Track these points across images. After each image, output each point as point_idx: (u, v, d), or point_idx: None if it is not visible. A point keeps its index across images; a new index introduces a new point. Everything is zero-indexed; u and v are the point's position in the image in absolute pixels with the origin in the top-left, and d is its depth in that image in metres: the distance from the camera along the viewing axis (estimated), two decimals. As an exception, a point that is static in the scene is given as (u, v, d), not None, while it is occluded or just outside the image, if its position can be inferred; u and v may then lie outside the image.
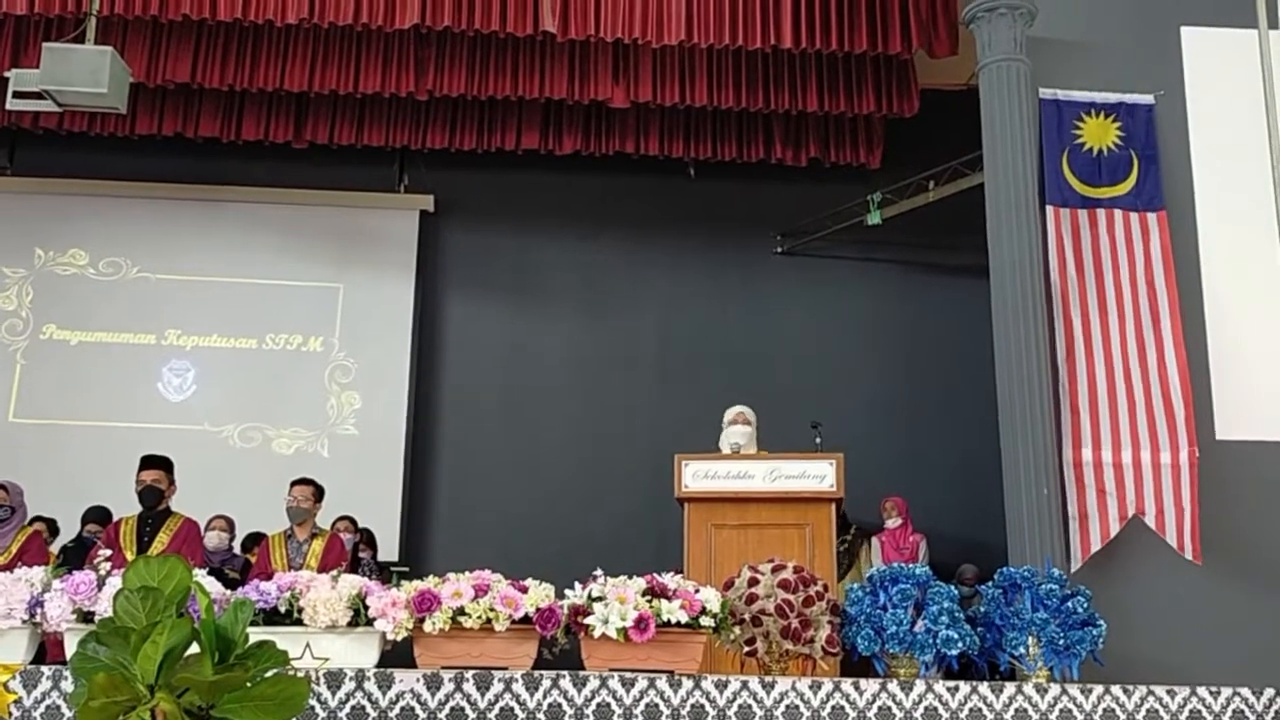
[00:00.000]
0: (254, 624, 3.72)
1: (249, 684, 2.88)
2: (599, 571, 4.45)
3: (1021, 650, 4.71)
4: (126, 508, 6.52)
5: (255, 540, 7.81)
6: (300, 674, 3.50)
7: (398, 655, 4.41)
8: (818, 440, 6.47)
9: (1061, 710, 4.32)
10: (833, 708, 4.23)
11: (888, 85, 9.14)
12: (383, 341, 10.24)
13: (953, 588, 4.78)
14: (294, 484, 6.82)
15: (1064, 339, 6.47)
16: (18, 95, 6.80)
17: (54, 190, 10.27)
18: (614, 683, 4.16)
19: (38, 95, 6.72)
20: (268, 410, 10.06)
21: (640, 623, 4.23)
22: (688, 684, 4.19)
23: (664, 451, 6.38)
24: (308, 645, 4.28)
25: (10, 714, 3.97)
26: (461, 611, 4.26)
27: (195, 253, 10.26)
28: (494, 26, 7.98)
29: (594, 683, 4.16)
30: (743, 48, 8.17)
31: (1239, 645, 6.02)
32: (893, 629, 4.56)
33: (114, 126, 9.54)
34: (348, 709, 4.06)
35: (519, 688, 4.13)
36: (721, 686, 4.21)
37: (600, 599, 4.31)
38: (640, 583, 4.38)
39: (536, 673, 4.19)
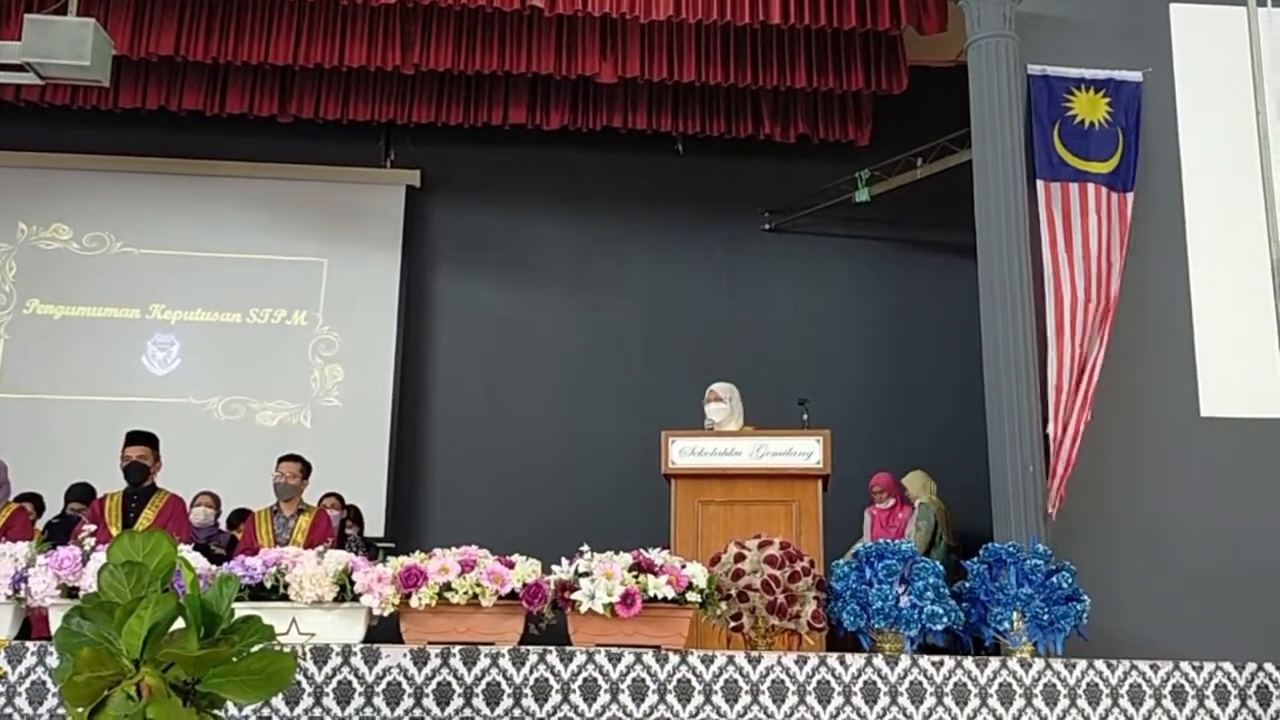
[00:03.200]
0: (240, 599, 3.72)
1: (234, 659, 2.87)
2: (586, 547, 4.46)
3: (1006, 625, 4.75)
4: (111, 481, 6.49)
5: (241, 516, 7.80)
6: (286, 649, 3.49)
7: (384, 631, 4.42)
8: (805, 417, 6.47)
9: (1045, 684, 4.35)
10: (818, 682, 4.25)
11: (876, 62, 9.11)
12: (367, 316, 10.21)
13: (938, 563, 4.80)
14: (281, 460, 6.80)
15: (1054, 315, 6.47)
16: (-1, 68, 6.74)
17: (36, 164, 10.18)
18: (600, 657, 4.18)
19: (19, 68, 6.65)
20: (251, 383, 10.04)
21: (627, 598, 4.25)
22: (674, 659, 4.21)
23: (651, 427, 6.38)
24: (294, 620, 4.29)
25: (-5, 689, 3.96)
26: (448, 587, 4.27)
27: (179, 227, 10.20)
28: (480, 1, 7.92)
29: (580, 657, 4.17)
30: (731, 23, 8.12)
31: (1222, 621, 6.06)
32: (878, 604, 4.59)
33: (97, 100, 9.44)
34: (334, 684, 4.06)
35: (505, 663, 4.14)
36: (708, 661, 4.22)
37: (587, 574, 4.33)
38: (627, 558, 4.39)
39: (523, 648, 4.20)
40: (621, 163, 10.37)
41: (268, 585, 4.32)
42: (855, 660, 4.31)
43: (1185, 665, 4.46)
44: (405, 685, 4.08)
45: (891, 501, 8.29)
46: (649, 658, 4.20)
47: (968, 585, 4.94)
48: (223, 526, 8.06)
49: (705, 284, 10.38)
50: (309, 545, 5.78)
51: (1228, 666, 4.49)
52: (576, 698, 4.12)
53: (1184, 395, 6.55)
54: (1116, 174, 6.72)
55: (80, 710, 2.76)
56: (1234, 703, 4.43)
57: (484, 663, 4.14)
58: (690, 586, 4.36)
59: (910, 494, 8.27)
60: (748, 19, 7.95)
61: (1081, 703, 4.35)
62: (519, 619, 4.36)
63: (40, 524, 7.60)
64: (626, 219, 10.50)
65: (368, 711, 4.05)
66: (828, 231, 10.39)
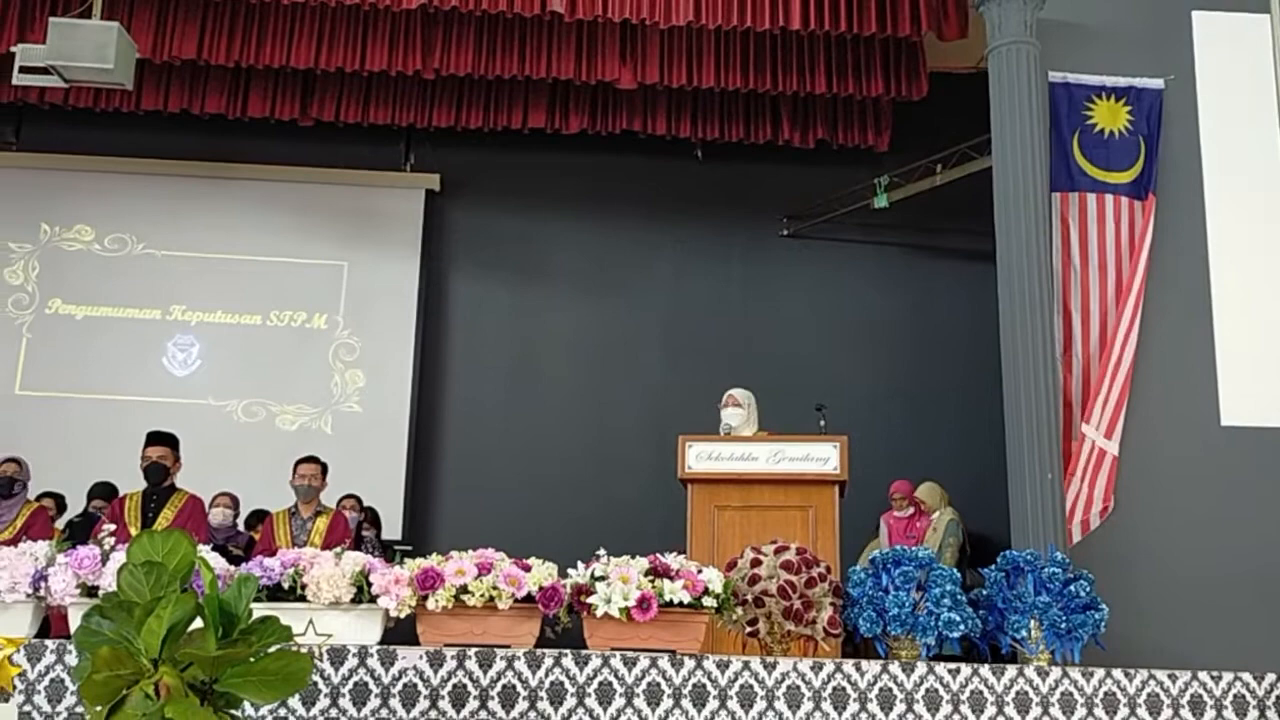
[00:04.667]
0: (257, 600, 3.73)
1: (252, 659, 2.89)
2: (602, 551, 4.46)
3: (1023, 633, 4.72)
4: (131, 480, 6.54)
5: (259, 517, 7.84)
6: (303, 650, 3.51)
7: (400, 633, 4.43)
8: (822, 423, 6.46)
9: (1062, 693, 4.33)
10: (834, 688, 4.24)
11: (896, 67, 9.09)
12: (387, 320, 10.25)
13: (955, 571, 4.79)
14: (300, 462, 6.83)
15: (1062, 332, 6.46)
16: (24, 70, 6.78)
17: (60, 166, 10.27)
18: (616, 662, 4.18)
19: (44, 70, 6.70)
20: (272, 386, 10.08)
21: (643, 602, 4.25)
22: (689, 664, 4.21)
23: (668, 432, 6.39)
24: (311, 622, 4.30)
25: (14, 687, 3.99)
26: (464, 590, 4.28)
27: (200, 229, 10.26)
28: (501, 6, 7.94)
29: (596, 662, 4.17)
30: (751, 29, 8.12)
31: (1241, 630, 6.03)
32: (895, 611, 4.58)
33: (120, 102, 9.52)
34: (350, 685, 4.08)
35: (521, 666, 4.15)
36: (723, 666, 4.22)
37: (603, 578, 4.32)
38: (643, 562, 4.39)
39: (539, 651, 4.20)
40: (641, 168, 10.38)
41: (285, 586, 4.34)
42: (871, 667, 4.30)
43: (1204, 675, 4.43)
44: (421, 687, 4.09)
45: (911, 510, 8.26)
46: (664, 662, 4.20)
47: (985, 592, 4.92)
48: (241, 527, 8.10)
49: (723, 289, 10.38)
50: (326, 546, 5.81)
51: (1247, 677, 4.46)
52: (592, 701, 4.13)
53: (1205, 404, 6.52)
54: (1137, 183, 6.69)
55: (99, 709, 2.78)
56: (1253, 713, 4.40)
57: (500, 665, 4.14)
58: (706, 591, 4.36)
59: (929, 506, 8.23)
60: (768, 24, 7.96)
61: (1099, 712, 4.33)
62: (535, 622, 4.36)
63: (61, 523, 7.65)
64: (645, 224, 10.51)
65: (384, 713, 4.06)
66: (846, 237, 10.37)
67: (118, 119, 9.83)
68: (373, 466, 9.63)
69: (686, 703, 4.16)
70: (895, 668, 4.31)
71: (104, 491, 7.76)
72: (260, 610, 3.07)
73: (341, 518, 6.91)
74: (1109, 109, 6.77)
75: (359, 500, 8.40)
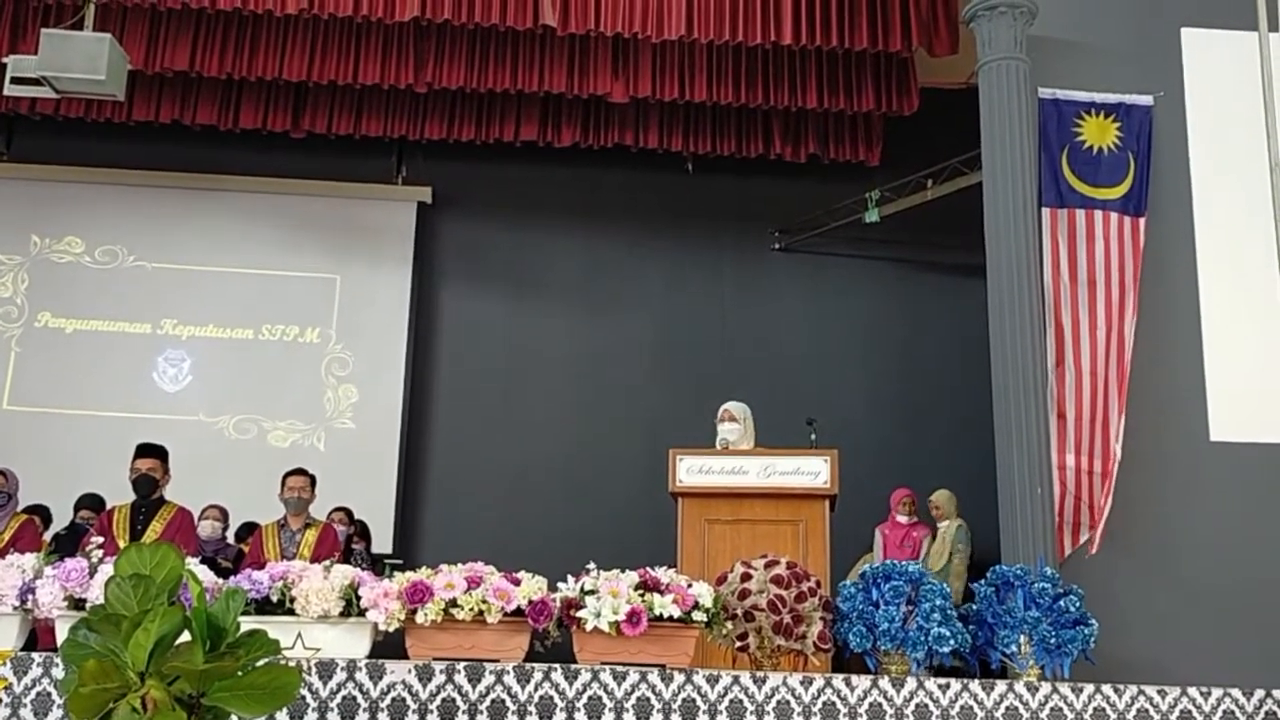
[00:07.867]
0: (246, 613, 3.71)
1: (240, 673, 2.87)
2: (592, 565, 4.46)
3: (1013, 648, 4.72)
4: (121, 497, 6.51)
5: (249, 530, 7.81)
6: (291, 664, 3.49)
7: (389, 646, 4.41)
8: (813, 437, 6.46)
9: (1052, 709, 4.33)
10: (824, 704, 4.24)
11: (887, 83, 9.14)
12: (379, 333, 10.23)
13: (945, 585, 4.79)
14: (289, 474, 6.81)
15: (1054, 345, 6.47)
16: (15, 81, 6.78)
17: (50, 177, 10.24)
18: (605, 676, 4.17)
19: (35, 81, 6.70)
20: (263, 402, 10.04)
21: (632, 616, 4.24)
22: (679, 678, 4.20)
23: (659, 446, 6.38)
24: (299, 635, 4.29)
25: (0, 700, 3.96)
26: (454, 603, 4.27)
27: (192, 242, 10.24)
28: (494, 20, 7.97)
29: (585, 676, 4.16)
30: (743, 43, 8.16)
31: (1231, 647, 6.03)
32: (885, 626, 4.57)
33: (111, 113, 9.51)
34: (339, 699, 4.06)
35: (510, 680, 4.13)
36: (713, 681, 4.21)
37: (593, 592, 4.32)
38: (633, 576, 4.39)
39: (528, 665, 4.19)
40: (632, 181, 10.41)
41: (274, 599, 4.33)
42: (861, 682, 4.29)
43: (1193, 691, 4.43)
44: (410, 701, 4.08)
45: (915, 518, 8.29)
46: (654, 677, 4.19)
47: (975, 607, 4.92)
48: (230, 540, 8.07)
49: (714, 302, 10.40)
50: (315, 559, 5.78)
51: (1236, 693, 4.46)
52: (581, 716, 4.11)
53: (1194, 420, 6.53)
54: (1128, 199, 6.71)
55: (85, 722, 2.76)
56: (1242, 729, 4.40)
57: (489, 680, 4.13)
58: (696, 606, 4.35)
59: (945, 512, 8.25)
60: (759, 39, 8.00)
61: (1088, 727, 4.32)
62: (524, 636, 4.35)
63: (47, 536, 7.60)
64: (637, 237, 10.53)
65: (372, 727, 4.05)
66: (837, 251, 10.40)
67: (109, 130, 9.82)
68: (363, 479, 9.60)
69: (676, 718, 4.15)
70: (885, 683, 4.30)
71: (92, 502, 7.72)
72: (249, 623, 3.06)
73: (331, 530, 6.89)
74: (1098, 125, 6.80)
75: (349, 513, 8.37)
